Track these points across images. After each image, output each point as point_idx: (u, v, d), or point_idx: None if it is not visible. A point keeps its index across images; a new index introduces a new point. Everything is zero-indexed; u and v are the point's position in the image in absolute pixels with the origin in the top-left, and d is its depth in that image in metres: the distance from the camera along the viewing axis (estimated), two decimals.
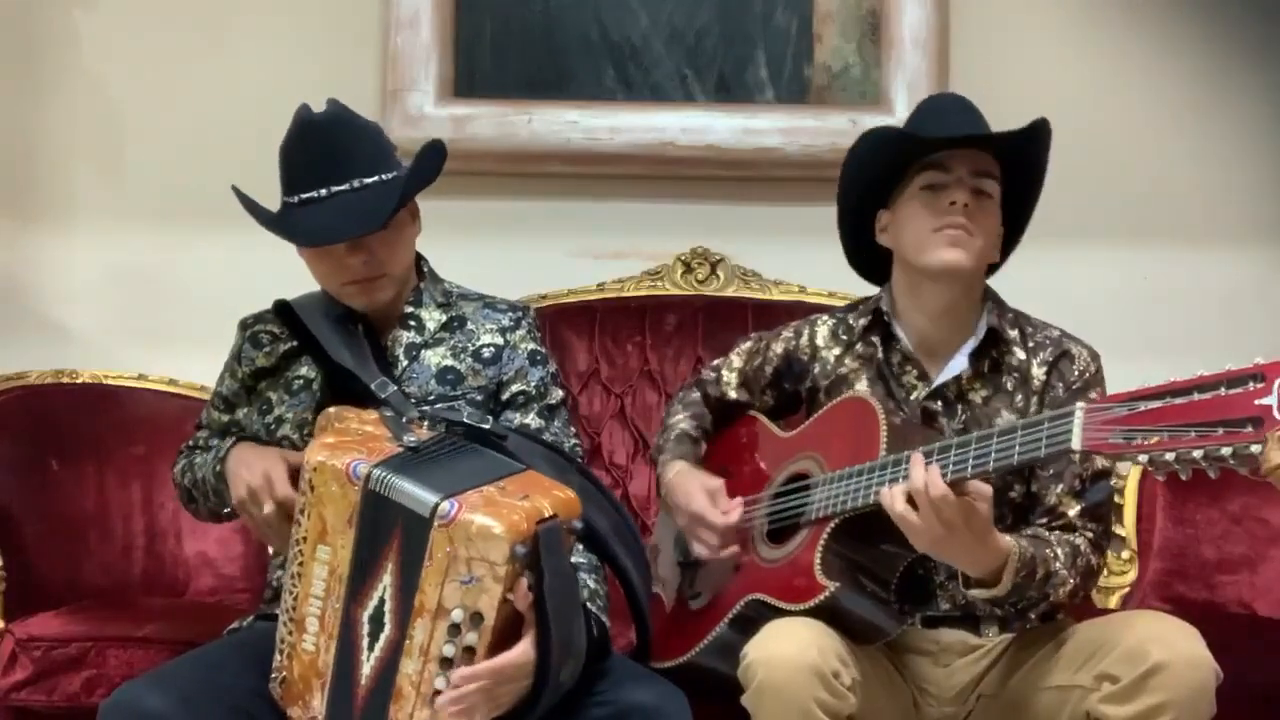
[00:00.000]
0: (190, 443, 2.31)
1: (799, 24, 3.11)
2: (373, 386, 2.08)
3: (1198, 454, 1.60)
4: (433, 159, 2.16)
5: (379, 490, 1.80)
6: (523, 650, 1.78)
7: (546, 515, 1.78)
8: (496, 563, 1.73)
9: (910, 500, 1.87)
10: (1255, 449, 1.56)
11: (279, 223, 2.12)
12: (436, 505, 1.76)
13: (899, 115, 2.99)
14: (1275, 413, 1.55)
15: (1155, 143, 3.10)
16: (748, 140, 3.06)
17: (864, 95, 3.09)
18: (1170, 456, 1.62)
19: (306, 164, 2.10)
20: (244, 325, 2.28)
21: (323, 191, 2.08)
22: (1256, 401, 1.57)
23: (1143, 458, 1.65)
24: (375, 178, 2.10)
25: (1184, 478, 1.64)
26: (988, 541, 1.90)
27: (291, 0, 3.11)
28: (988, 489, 1.88)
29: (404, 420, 1.96)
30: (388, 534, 1.80)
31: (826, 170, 2.92)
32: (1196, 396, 1.62)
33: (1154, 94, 3.10)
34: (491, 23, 3.10)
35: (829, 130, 3.03)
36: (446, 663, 1.76)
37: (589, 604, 1.98)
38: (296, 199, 2.10)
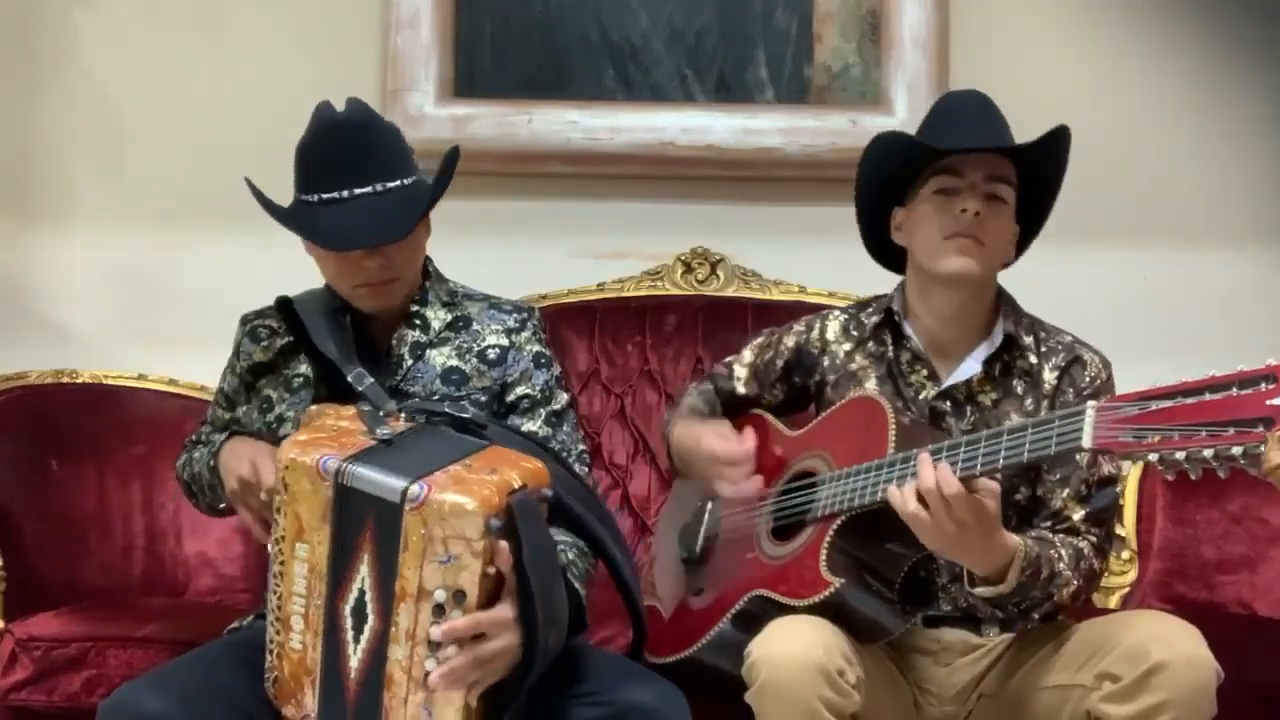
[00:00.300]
0: (193, 437, 2.31)
1: (799, 24, 3.11)
2: (349, 378, 2.06)
3: (1208, 453, 1.60)
4: (451, 167, 2.16)
5: (348, 483, 1.80)
6: (502, 609, 1.77)
7: (516, 486, 1.78)
8: (472, 538, 1.73)
9: (921, 499, 1.87)
10: (1265, 448, 1.56)
11: (298, 221, 2.11)
12: (405, 489, 1.75)
13: (899, 115, 3.00)
14: None
15: (1155, 143, 3.10)
16: (748, 140, 3.06)
17: (864, 95, 3.09)
18: (1180, 455, 1.62)
19: (329, 163, 2.08)
20: (244, 321, 2.29)
21: (345, 193, 2.07)
22: (1268, 402, 1.57)
23: (1153, 456, 1.65)
24: (397, 182, 2.09)
25: (1194, 477, 1.64)
26: (995, 539, 1.90)
27: (291, 0, 3.11)
28: (995, 486, 1.88)
29: (380, 414, 1.95)
30: (361, 525, 1.79)
31: (826, 170, 2.95)
32: (1208, 396, 1.62)
33: (1154, 94, 3.10)
34: (491, 23, 3.10)
35: (829, 130, 3.04)
36: (435, 645, 1.76)
37: (566, 572, 1.96)
38: (316, 198, 2.08)
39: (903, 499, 1.87)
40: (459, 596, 1.75)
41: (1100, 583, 2.20)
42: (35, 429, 2.85)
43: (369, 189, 2.07)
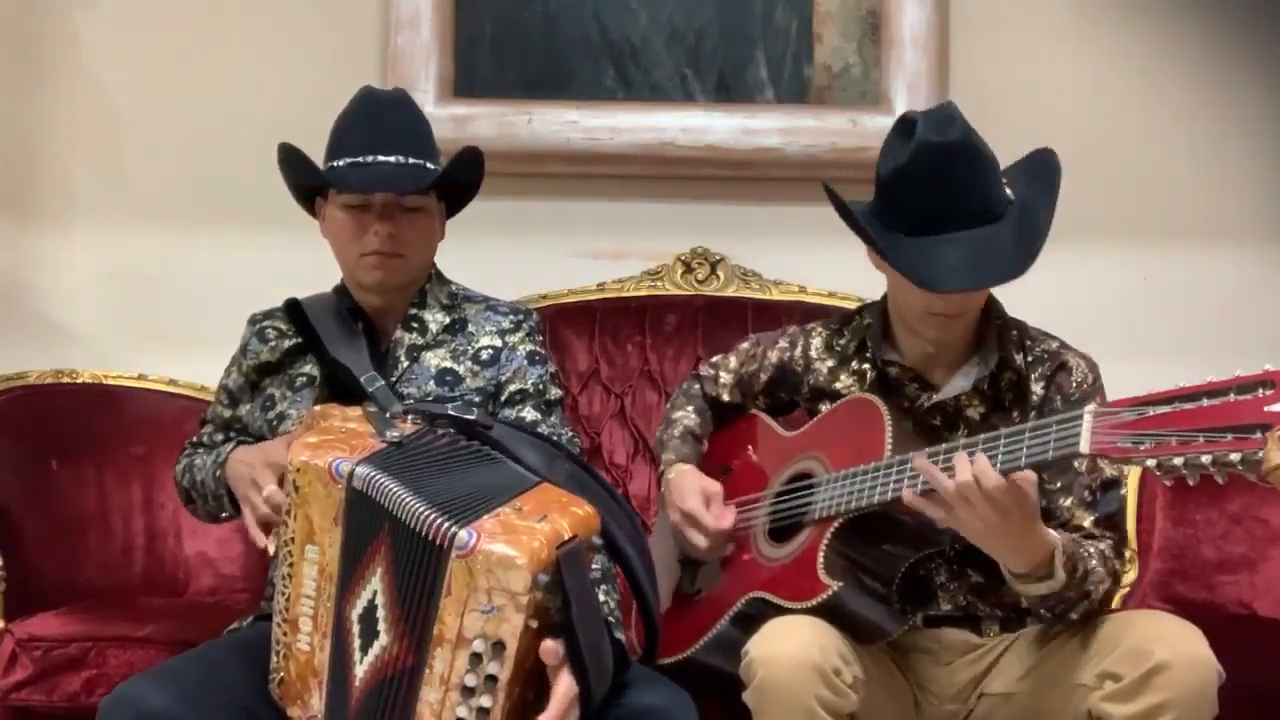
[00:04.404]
0: (194, 439, 2.32)
1: (799, 24, 3.11)
2: (362, 380, 2.08)
3: (1206, 459, 1.59)
4: (470, 160, 2.21)
5: (362, 489, 1.78)
6: (568, 685, 1.75)
7: (567, 538, 1.74)
8: (518, 593, 1.69)
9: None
10: (1263, 454, 1.55)
11: (325, 174, 2.17)
12: (454, 534, 1.71)
13: (899, 115, 2.98)
14: None
15: (1155, 143, 3.10)
16: (747, 140, 3.05)
17: (864, 95, 3.09)
18: (1178, 461, 1.61)
19: (361, 131, 2.17)
20: (253, 320, 2.30)
21: (370, 158, 2.14)
22: (1266, 408, 1.56)
23: (1150, 462, 1.65)
24: (421, 162, 2.17)
25: (1191, 483, 1.64)
26: (1035, 531, 1.89)
27: (292, 1, 3.10)
28: (1033, 476, 1.86)
29: (388, 415, 1.95)
30: (374, 532, 1.78)
31: (826, 170, 2.94)
32: (1205, 402, 1.61)
33: (1154, 94, 3.10)
34: (491, 23, 3.10)
35: (829, 130, 3.03)
36: (468, 691, 1.73)
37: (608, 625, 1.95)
38: (343, 162, 2.15)
39: (943, 486, 1.85)
40: (498, 648, 1.71)
41: (1120, 585, 2.18)
42: (35, 429, 2.85)
43: (393, 158, 2.15)
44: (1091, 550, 1.99)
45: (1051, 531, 1.93)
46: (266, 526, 2.02)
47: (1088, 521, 2.05)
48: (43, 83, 3.09)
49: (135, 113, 3.10)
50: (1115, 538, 2.06)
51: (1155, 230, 3.09)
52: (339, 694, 1.81)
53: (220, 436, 2.27)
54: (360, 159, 2.14)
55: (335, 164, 2.17)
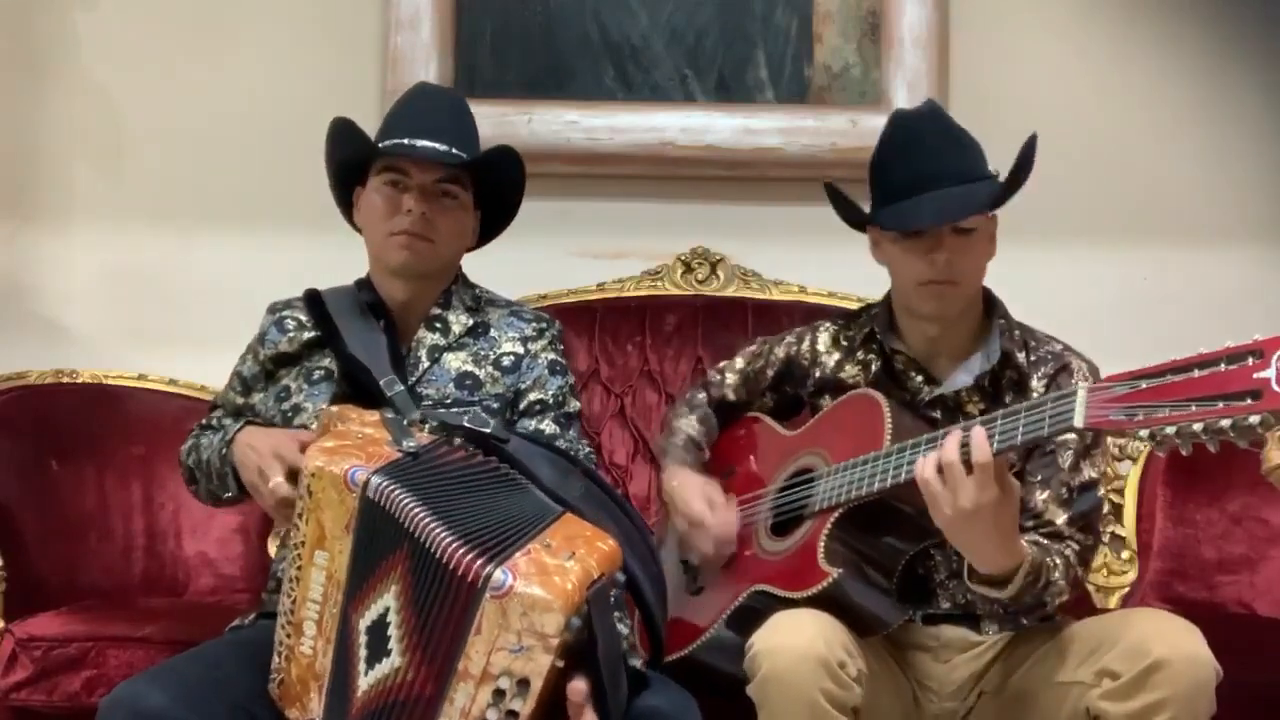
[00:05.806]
0: (203, 422, 2.31)
1: (799, 24, 3.11)
2: (381, 383, 2.08)
3: (1198, 427, 1.61)
4: (512, 162, 2.23)
5: (376, 499, 1.76)
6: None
7: (595, 577, 1.74)
8: (549, 634, 1.67)
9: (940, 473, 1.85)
10: (1254, 419, 1.57)
11: (371, 146, 2.19)
12: (490, 575, 1.68)
13: None
14: (1274, 385, 1.57)
15: (1155, 143, 3.10)
16: (747, 140, 3.06)
17: (864, 95, 3.09)
18: (1171, 430, 1.63)
19: (412, 118, 2.19)
20: (272, 309, 2.29)
21: (418, 142, 2.15)
22: (1255, 375, 1.59)
23: (1144, 433, 1.66)
24: (465, 154, 2.18)
25: (1185, 452, 1.65)
26: (1009, 541, 1.89)
27: (292, 1, 3.11)
28: (1018, 485, 1.87)
29: (405, 422, 1.94)
30: (390, 548, 1.76)
31: (826, 170, 2.94)
32: (1197, 373, 1.64)
33: (1154, 94, 3.10)
34: (491, 23, 3.10)
35: (829, 130, 3.04)
36: None
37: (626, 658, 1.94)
38: (389, 142, 2.17)
39: (922, 465, 1.86)
40: (522, 685, 1.69)
41: (1079, 589, 2.18)
42: (35, 429, 2.85)
43: (443, 145, 2.16)
44: (1057, 560, 2.00)
45: (1026, 546, 1.93)
46: (286, 505, 1.99)
47: (1060, 519, 2.06)
48: (43, 83, 3.10)
49: (135, 113, 3.11)
50: (1084, 541, 2.06)
51: (1155, 230, 3.09)
52: (338, 701, 1.80)
53: (230, 422, 2.26)
54: (405, 140, 2.16)
55: (381, 144, 2.18)
